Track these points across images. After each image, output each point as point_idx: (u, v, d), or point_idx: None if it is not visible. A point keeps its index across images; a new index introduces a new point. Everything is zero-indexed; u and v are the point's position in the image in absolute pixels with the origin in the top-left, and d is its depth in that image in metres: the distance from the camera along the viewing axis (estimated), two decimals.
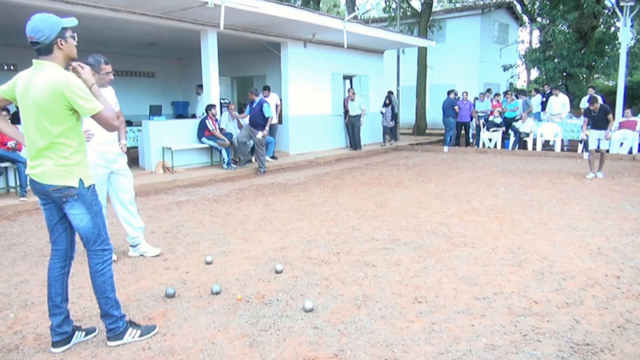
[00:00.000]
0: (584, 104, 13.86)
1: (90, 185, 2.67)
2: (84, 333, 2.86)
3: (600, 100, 8.95)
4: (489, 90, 17.00)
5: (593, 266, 4.04)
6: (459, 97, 14.32)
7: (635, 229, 5.17)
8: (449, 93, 14.30)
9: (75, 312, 3.23)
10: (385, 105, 14.23)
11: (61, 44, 2.57)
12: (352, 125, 13.41)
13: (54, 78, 2.49)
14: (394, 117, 14.38)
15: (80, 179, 2.61)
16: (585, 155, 8.75)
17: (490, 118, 13.49)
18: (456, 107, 13.79)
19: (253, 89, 9.66)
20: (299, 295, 3.49)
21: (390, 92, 16.52)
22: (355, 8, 21.95)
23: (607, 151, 8.63)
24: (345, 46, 11.95)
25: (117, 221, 4.48)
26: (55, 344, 2.73)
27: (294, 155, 12.08)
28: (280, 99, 11.88)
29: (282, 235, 5.12)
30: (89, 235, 2.68)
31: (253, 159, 10.81)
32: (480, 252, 4.45)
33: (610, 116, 8.70)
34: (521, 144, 13.17)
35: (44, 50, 2.54)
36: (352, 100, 13.27)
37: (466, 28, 21.46)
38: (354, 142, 13.49)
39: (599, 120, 8.64)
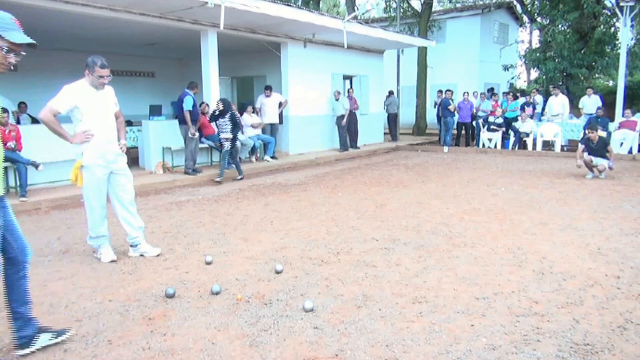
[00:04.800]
0: (582, 103, 13.88)
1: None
2: (53, 335, 2.77)
3: (600, 131, 8.66)
4: (489, 90, 17.01)
5: (593, 266, 4.04)
6: (452, 98, 14.21)
7: (635, 229, 5.17)
8: (445, 93, 14.30)
9: (76, 312, 3.24)
10: (219, 113, 8.64)
11: None
12: (337, 126, 13.03)
13: None
14: (237, 129, 8.87)
15: None
16: (589, 176, 8.64)
17: (491, 118, 13.48)
18: (450, 107, 13.77)
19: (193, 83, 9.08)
20: (299, 295, 3.49)
21: (390, 92, 16.55)
22: (355, 8, 21.95)
23: (608, 168, 8.44)
24: (345, 46, 11.95)
25: (117, 221, 4.48)
26: (18, 347, 2.67)
27: (294, 155, 12.08)
28: (286, 100, 11.87)
29: (282, 235, 5.12)
30: None
31: (254, 158, 10.83)
32: (480, 252, 4.45)
33: (610, 147, 8.52)
34: (521, 144, 13.17)
35: None
36: (337, 99, 12.76)
37: (466, 28, 21.47)
38: (340, 142, 13.08)
39: (597, 152, 8.44)
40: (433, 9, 20.77)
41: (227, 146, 8.76)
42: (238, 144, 10.05)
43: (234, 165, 9.07)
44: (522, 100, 14.13)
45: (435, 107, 14.45)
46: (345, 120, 12.78)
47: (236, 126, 8.75)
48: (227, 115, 8.60)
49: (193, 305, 3.35)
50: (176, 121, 9.39)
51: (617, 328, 2.93)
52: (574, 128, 12.83)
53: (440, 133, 15.46)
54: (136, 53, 14.36)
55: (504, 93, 16.26)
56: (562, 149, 12.74)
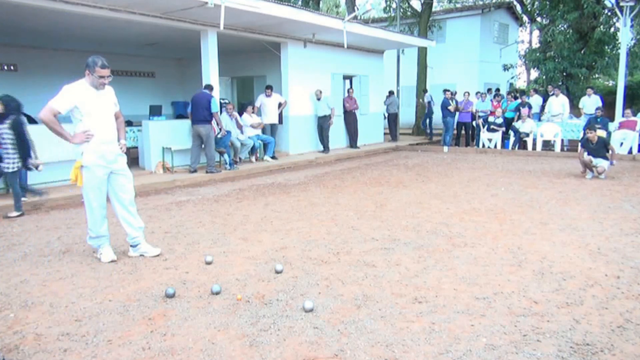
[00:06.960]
0: (582, 103, 13.88)
1: None
2: None
3: (599, 132, 8.55)
4: (489, 90, 16.99)
5: (593, 266, 4.04)
6: (453, 98, 14.16)
7: (635, 229, 5.17)
8: (444, 92, 14.27)
9: (76, 312, 3.24)
10: None
11: None
12: (320, 127, 12.54)
13: None
14: (25, 145, 5.97)
15: None
16: (589, 176, 8.60)
17: (491, 118, 13.47)
18: (450, 107, 13.76)
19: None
20: (299, 295, 3.49)
21: (390, 92, 16.55)
22: (355, 8, 21.96)
23: (610, 164, 8.38)
24: (345, 46, 11.94)
25: (117, 221, 4.48)
26: None
27: (294, 155, 12.08)
28: (285, 101, 11.86)
29: (282, 235, 5.12)
30: None
31: (254, 158, 10.83)
32: (480, 252, 4.45)
33: (611, 146, 8.45)
34: (521, 144, 13.17)
35: None
36: (319, 99, 12.29)
37: (466, 28, 21.48)
38: (323, 143, 12.69)
39: (597, 152, 8.38)
40: (433, 9, 20.77)
41: (10, 166, 5.68)
42: (236, 141, 10.03)
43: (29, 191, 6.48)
44: (515, 103, 14.07)
45: (440, 109, 14.40)
46: (331, 120, 12.48)
47: (21, 138, 5.66)
48: (8, 122, 5.64)
49: (193, 305, 3.34)
50: (176, 121, 9.39)
51: (617, 328, 2.93)
52: (574, 128, 12.82)
53: (425, 129, 15.37)
54: (136, 53, 14.35)
55: (504, 93, 16.26)
56: (562, 149, 12.74)
